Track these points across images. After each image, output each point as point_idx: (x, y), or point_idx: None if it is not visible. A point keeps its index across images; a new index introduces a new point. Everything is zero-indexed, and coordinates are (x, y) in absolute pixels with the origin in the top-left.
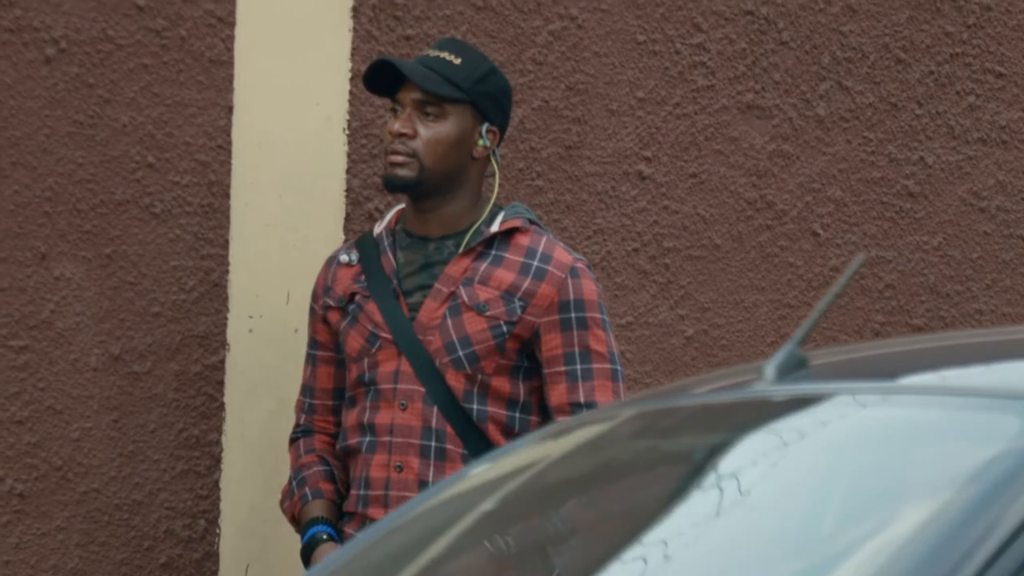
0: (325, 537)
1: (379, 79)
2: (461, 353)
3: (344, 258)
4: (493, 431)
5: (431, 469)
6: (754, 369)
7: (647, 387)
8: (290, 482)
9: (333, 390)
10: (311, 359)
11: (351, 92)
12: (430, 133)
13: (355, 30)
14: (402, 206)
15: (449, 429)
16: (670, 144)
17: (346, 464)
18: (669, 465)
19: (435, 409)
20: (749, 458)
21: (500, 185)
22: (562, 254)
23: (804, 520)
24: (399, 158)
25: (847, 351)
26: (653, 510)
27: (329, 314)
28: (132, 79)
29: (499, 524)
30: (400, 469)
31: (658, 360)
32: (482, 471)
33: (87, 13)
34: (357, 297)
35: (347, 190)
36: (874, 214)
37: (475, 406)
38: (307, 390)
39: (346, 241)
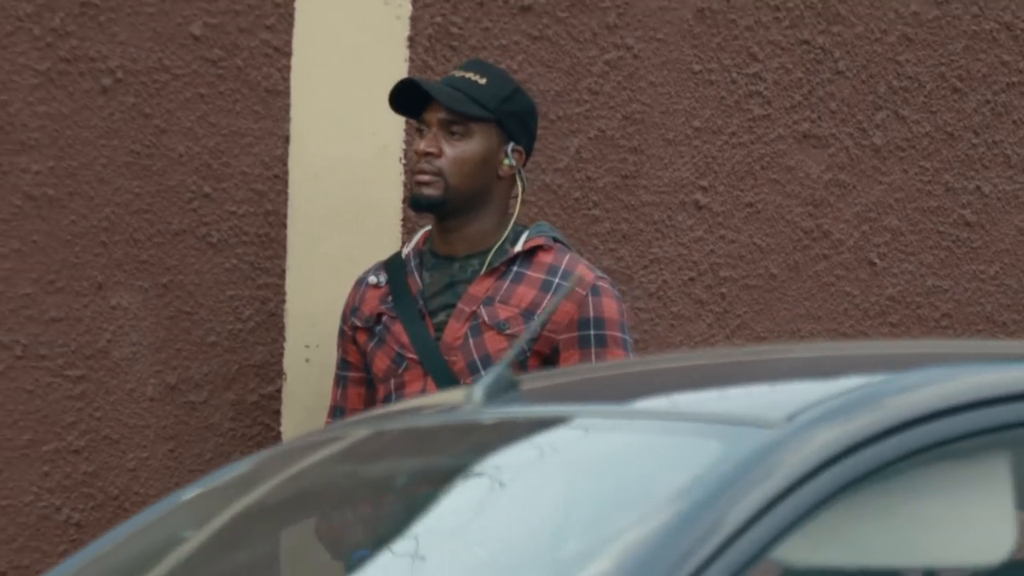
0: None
1: (405, 99)
2: (483, 372)
3: (372, 279)
4: None
5: None
6: (466, 392)
7: None
8: None
9: (363, 411)
10: (342, 380)
11: (407, 121)
12: (456, 152)
13: (411, 60)
14: (429, 227)
15: None
16: (726, 173)
17: None
18: (363, 490)
19: None
20: (448, 482)
21: (540, 209)
22: (584, 272)
23: (500, 545)
24: (425, 177)
25: (562, 375)
26: (341, 536)
27: (357, 335)
28: (188, 109)
29: (201, 550)
30: None
31: None
32: (197, 493)
33: (143, 43)
34: (384, 318)
35: (403, 219)
36: (930, 243)
37: None
38: (337, 411)
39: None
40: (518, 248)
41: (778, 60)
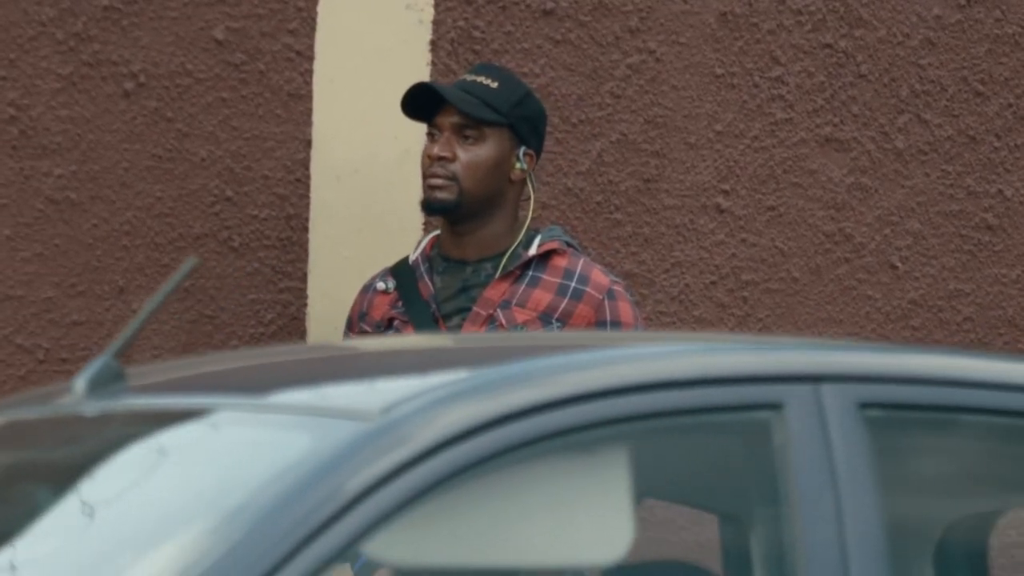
0: None
1: (416, 103)
2: None
3: (381, 285)
4: None
5: None
6: (71, 383)
7: None
8: None
9: None
10: None
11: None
12: (469, 156)
13: (433, 63)
14: (437, 232)
15: None
16: (748, 177)
17: None
18: None
19: None
20: (39, 477)
21: (562, 213)
22: (599, 276)
23: (70, 545)
24: (438, 181)
25: (172, 368)
26: None
27: None
28: (211, 113)
29: None
30: None
31: None
32: None
33: (166, 47)
34: (395, 322)
35: (425, 223)
36: (952, 247)
37: None
38: None
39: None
40: (532, 252)
41: (800, 64)
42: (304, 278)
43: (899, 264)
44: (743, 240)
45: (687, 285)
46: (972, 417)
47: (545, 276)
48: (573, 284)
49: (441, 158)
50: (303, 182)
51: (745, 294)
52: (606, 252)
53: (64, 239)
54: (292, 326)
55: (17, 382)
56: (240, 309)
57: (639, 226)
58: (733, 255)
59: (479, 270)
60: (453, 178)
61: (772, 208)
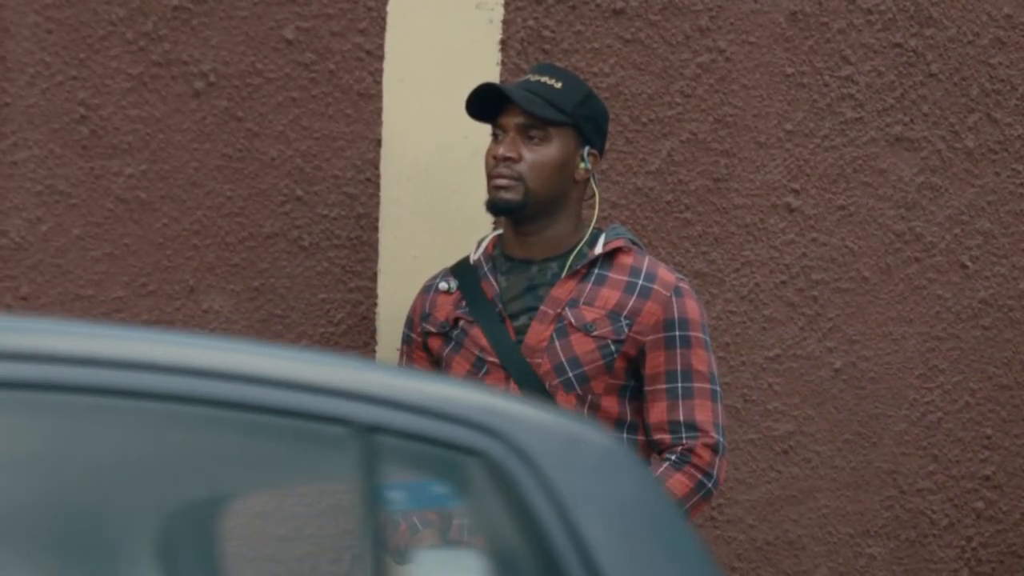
0: None
1: (480, 103)
2: (571, 374)
3: (443, 286)
4: None
5: None
6: None
7: (792, 419)
8: None
9: None
10: None
11: None
12: (535, 156)
13: (503, 63)
14: (498, 232)
15: None
16: (818, 176)
17: None
18: None
19: None
20: None
21: (632, 212)
22: (666, 273)
23: None
24: (504, 181)
25: None
26: None
27: (430, 340)
28: (281, 112)
29: None
30: None
31: (806, 392)
32: None
33: (236, 47)
34: (461, 322)
35: (494, 222)
36: (1023, 246)
37: None
38: None
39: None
40: (598, 250)
41: (870, 63)
42: (374, 277)
43: (969, 263)
44: (813, 239)
45: (757, 284)
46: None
47: (612, 274)
48: (640, 282)
49: (507, 158)
50: (373, 181)
51: (815, 293)
52: (676, 252)
53: (134, 239)
54: (362, 325)
55: None
56: (310, 308)
57: (709, 225)
58: (803, 254)
59: (545, 269)
60: (519, 178)
61: (842, 207)
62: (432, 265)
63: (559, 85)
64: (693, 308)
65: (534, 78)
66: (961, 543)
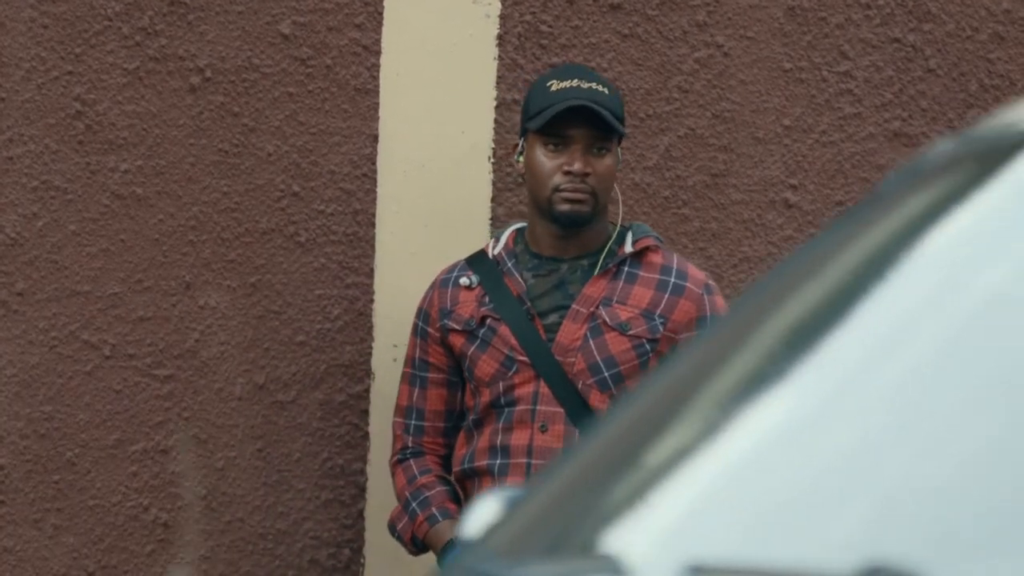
0: None
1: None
2: (607, 374)
3: (465, 281)
4: None
5: None
6: None
7: None
8: (407, 504)
9: (445, 412)
10: (419, 381)
11: (496, 120)
12: (603, 169)
13: (500, 58)
14: (517, 226)
15: None
16: (816, 172)
17: (464, 487)
18: None
19: (576, 431)
20: None
21: (630, 208)
22: (695, 271)
23: None
24: (581, 195)
25: None
26: None
27: (451, 337)
28: (277, 108)
29: None
30: None
31: None
32: None
33: (232, 42)
34: (488, 321)
35: (492, 218)
36: None
37: None
38: (413, 412)
39: (457, 264)
40: (629, 249)
41: (869, 58)
42: (371, 273)
43: None
44: (811, 235)
45: (755, 280)
46: None
47: (642, 273)
48: (672, 280)
49: (585, 174)
50: (370, 177)
51: None
52: (674, 247)
53: (130, 234)
54: (359, 321)
55: (83, 378)
56: (307, 304)
57: (707, 221)
58: None
59: (575, 267)
60: (592, 192)
61: (840, 203)
62: (429, 261)
63: (607, 91)
64: (722, 305)
65: (584, 85)
66: None
